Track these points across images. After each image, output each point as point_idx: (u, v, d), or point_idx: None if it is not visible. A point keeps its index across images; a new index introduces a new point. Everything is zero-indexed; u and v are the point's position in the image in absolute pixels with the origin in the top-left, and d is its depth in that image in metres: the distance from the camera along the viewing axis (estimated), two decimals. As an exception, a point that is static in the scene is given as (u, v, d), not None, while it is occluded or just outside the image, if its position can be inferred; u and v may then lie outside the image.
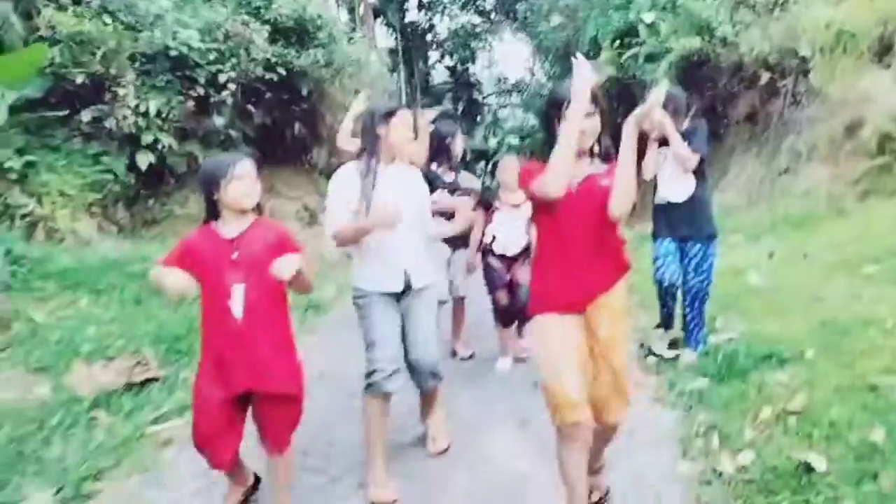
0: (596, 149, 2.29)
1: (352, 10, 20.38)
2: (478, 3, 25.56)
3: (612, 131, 2.31)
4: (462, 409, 3.77)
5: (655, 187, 4.15)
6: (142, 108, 7.38)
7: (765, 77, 8.89)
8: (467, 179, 4.47)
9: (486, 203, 4.44)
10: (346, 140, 4.43)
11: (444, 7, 25.65)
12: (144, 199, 8.01)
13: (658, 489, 2.73)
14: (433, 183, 4.06)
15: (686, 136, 3.88)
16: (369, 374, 2.86)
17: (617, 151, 2.20)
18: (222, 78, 8.27)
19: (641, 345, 4.38)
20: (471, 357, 4.73)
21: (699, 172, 3.95)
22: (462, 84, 26.25)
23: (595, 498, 2.55)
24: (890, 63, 7.82)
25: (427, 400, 3.27)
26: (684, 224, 4.01)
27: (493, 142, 21.70)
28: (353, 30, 14.32)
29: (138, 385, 3.96)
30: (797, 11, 8.69)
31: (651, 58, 10.22)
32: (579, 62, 2.16)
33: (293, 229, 7.11)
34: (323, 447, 3.34)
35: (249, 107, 9.09)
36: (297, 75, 9.51)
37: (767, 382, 3.46)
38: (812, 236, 6.49)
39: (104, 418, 3.53)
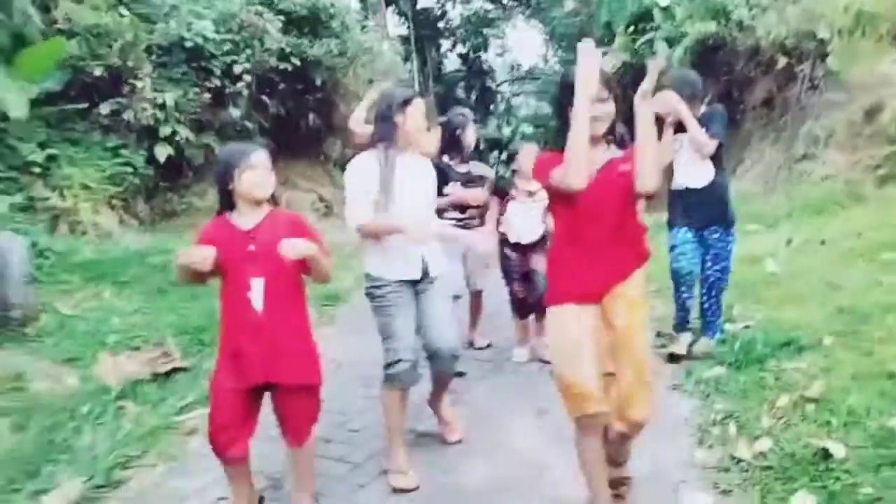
0: (610, 135, 2.26)
1: (364, -1, 20.33)
2: (490, -11, 25.37)
3: (625, 118, 2.29)
4: (479, 398, 3.81)
5: (671, 175, 4.12)
6: (159, 101, 7.46)
7: (782, 61, 8.76)
8: (479, 168, 4.47)
9: (500, 192, 4.45)
10: (359, 125, 4.39)
11: (456, -7, 25.45)
12: (163, 191, 8.11)
13: (676, 477, 2.75)
14: (446, 175, 4.06)
15: (703, 121, 3.81)
16: (390, 365, 2.86)
17: (632, 138, 2.18)
18: (237, 69, 8.33)
19: (658, 334, 4.39)
20: (488, 346, 4.76)
21: (717, 158, 3.87)
22: (475, 72, 26.01)
23: (620, 491, 2.51)
24: (911, 46, 7.72)
25: (440, 387, 3.23)
26: (703, 212, 3.92)
27: (506, 130, 21.53)
28: (366, 18, 14.29)
29: (164, 375, 4.05)
30: (815, -6, 8.58)
31: (666, 43, 10.11)
32: (584, 46, 2.12)
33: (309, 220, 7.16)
34: (344, 435, 3.40)
35: (264, 98, 9.15)
36: (311, 65, 9.56)
37: (785, 370, 3.46)
38: (830, 223, 6.42)
39: (132, 408, 3.61)
